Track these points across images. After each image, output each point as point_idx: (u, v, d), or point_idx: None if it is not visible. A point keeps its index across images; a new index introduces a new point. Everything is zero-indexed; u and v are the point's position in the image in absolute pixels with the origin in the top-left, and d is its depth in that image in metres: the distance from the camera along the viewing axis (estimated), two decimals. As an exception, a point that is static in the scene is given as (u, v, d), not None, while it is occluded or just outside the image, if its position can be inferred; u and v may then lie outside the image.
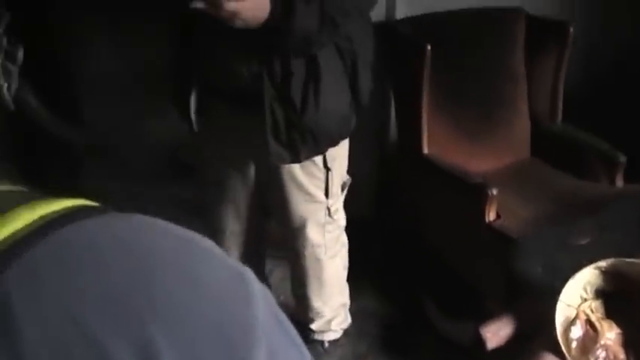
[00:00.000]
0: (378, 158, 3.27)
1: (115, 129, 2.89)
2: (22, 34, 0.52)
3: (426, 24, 2.93)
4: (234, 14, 1.82)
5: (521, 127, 3.06)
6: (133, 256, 0.43)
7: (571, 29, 2.93)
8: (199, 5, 1.80)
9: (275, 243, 2.65)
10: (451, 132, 2.91)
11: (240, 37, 1.92)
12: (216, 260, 0.47)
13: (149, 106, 3.02)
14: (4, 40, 0.50)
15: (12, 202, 0.44)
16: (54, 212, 0.43)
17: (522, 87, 3.05)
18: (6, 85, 0.52)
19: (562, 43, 2.97)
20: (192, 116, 2.18)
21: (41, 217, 0.43)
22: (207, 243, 0.48)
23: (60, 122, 0.53)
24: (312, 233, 2.36)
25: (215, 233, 2.43)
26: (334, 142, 2.20)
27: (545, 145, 3.05)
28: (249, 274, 0.47)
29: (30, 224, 0.42)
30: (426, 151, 2.81)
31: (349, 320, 2.67)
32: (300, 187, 2.26)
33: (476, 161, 2.89)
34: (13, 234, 0.41)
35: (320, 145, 2.14)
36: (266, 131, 2.05)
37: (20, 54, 0.52)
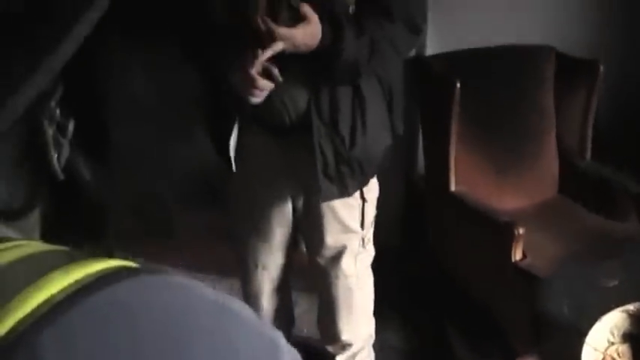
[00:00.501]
0: (406, 191, 3.27)
1: (143, 152, 2.93)
2: (73, 106, 0.54)
3: (456, 60, 2.94)
4: (286, 39, 1.86)
5: (550, 164, 3.06)
6: (168, 322, 0.43)
7: (601, 67, 2.94)
8: (259, 22, 1.84)
9: (299, 274, 2.65)
10: (479, 168, 2.91)
11: (287, 73, 1.95)
12: (250, 327, 0.47)
13: (179, 131, 3.05)
14: (57, 113, 0.52)
15: (47, 266, 0.45)
16: (88, 275, 0.44)
17: (551, 124, 3.05)
18: (56, 155, 0.53)
19: (592, 81, 2.97)
20: (232, 156, 2.19)
21: (76, 282, 0.43)
22: (242, 308, 0.48)
23: (105, 191, 0.55)
24: (346, 263, 2.37)
25: (246, 266, 2.44)
26: (377, 172, 2.24)
27: (574, 182, 3.04)
28: (280, 340, 0.48)
29: (65, 289, 0.43)
30: (453, 187, 2.82)
31: (373, 356, 2.66)
32: (338, 218, 2.27)
33: (503, 198, 2.89)
34: (48, 300, 0.42)
35: (367, 176, 2.19)
36: (316, 169, 2.07)
37: (71, 126, 0.54)
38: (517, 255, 2.56)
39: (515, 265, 2.56)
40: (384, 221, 2.46)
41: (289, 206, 2.33)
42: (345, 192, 2.16)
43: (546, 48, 3.07)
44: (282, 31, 1.85)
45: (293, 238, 2.44)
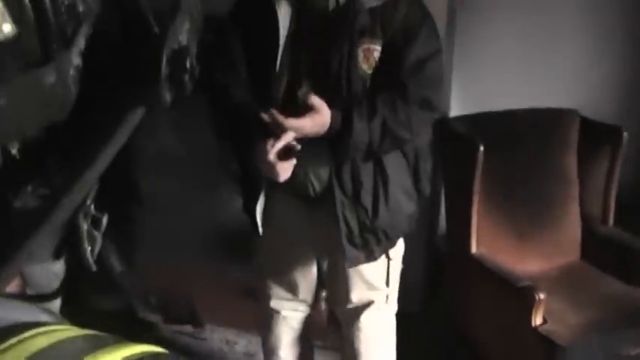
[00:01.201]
0: (426, 251, 3.27)
1: (168, 206, 2.96)
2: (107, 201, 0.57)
3: (480, 122, 2.96)
4: (295, 130, 1.96)
5: (572, 230, 3.05)
6: None
7: (625, 134, 2.94)
8: (265, 118, 1.94)
9: (319, 333, 2.65)
10: (500, 231, 2.91)
11: (308, 148, 2.01)
12: None
13: (205, 188, 3.09)
14: (91, 208, 0.55)
15: (77, 352, 0.46)
16: None
17: (574, 189, 3.05)
18: (89, 248, 0.56)
19: (616, 147, 2.98)
20: (259, 221, 2.23)
21: None
22: None
23: (133, 280, 0.57)
24: (370, 320, 2.37)
25: (267, 317, 2.46)
26: (403, 235, 2.28)
27: (596, 248, 3.02)
28: None
29: None
30: (474, 250, 2.81)
31: None
32: (363, 277, 2.29)
33: (524, 262, 2.88)
34: None
35: (393, 240, 2.24)
36: (341, 238, 2.11)
37: (104, 220, 0.56)
38: (537, 320, 2.54)
39: (536, 331, 2.54)
40: (402, 282, 2.46)
41: (315, 265, 2.36)
42: (371, 257, 2.20)
43: (571, 112, 3.08)
44: (291, 122, 1.95)
45: (317, 292, 2.46)
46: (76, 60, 0.45)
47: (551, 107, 3.08)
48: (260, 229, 2.23)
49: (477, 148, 2.73)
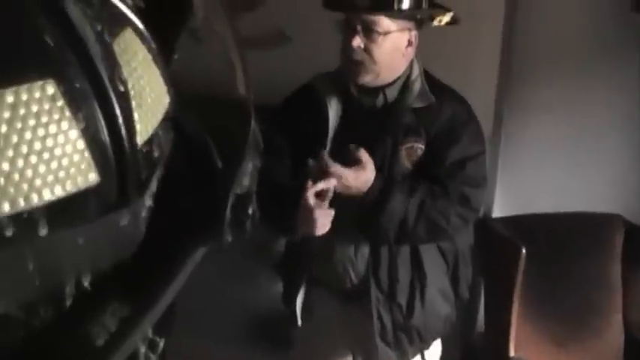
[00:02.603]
0: (462, 351, 3.20)
1: (205, 293, 2.96)
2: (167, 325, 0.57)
3: (523, 225, 2.94)
4: (338, 177, 1.96)
5: (614, 339, 2.96)
6: None
7: (671, 241, 2.89)
8: (311, 163, 1.97)
9: None
10: (539, 337, 2.84)
11: (349, 240, 2.02)
12: None
13: (243, 275, 3.09)
14: (149, 331, 0.55)
15: None
16: None
17: (617, 297, 2.98)
18: None
19: (661, 254, 2.92)
20: (298, 312, 2.22)
21: None
22: None
23: None
24: None
25: None
26: (438, 337, 2.26)
27: None
28: None
29: None
30: (512, 353, 2.75)
31: None
32: None
33: (563, 370, 2.80)
34: None
35: (426, 343, 2.21)
36: (374, 335, 2.11)
37: (162, 343, 0.56)
38: None
39: None
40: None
41: (350, 358, 2.33)
42: (404, 357, 2.18)
43: (615, 217, 3.04)
44: (336, 168, 1.97)
45: None
46: (148, 202, 0.47)
47: (595, 212, 3.05)
48: (299, 320, 2.23)
49: (520, 252, 2.70)
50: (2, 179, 0.39)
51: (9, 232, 0.39)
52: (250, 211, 0.52)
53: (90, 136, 0.42)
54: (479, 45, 2.94)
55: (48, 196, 0.40)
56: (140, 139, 0.46)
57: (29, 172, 0.40)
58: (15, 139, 0.39)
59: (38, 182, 0.40)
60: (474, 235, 2.32)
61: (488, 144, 2.78)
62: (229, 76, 0.61)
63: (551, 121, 3.15)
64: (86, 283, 0.44)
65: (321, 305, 2.23)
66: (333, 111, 2.14)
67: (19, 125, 0.39)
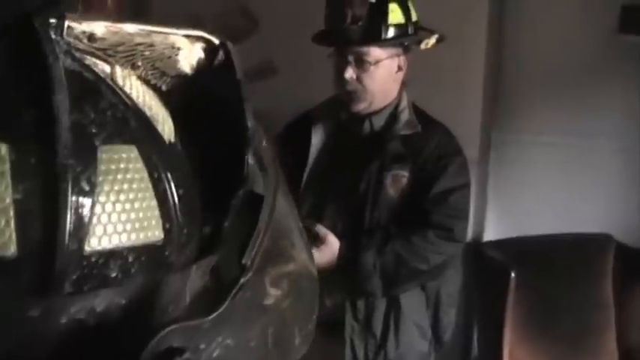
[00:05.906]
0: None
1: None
2: None
3: (514, 247, 2.93)
4: None
5: (609, 359, 2.95)
6: None
7: (662, 261, 2.89)
8: None
9: None
10: (534, 359, 2.83)
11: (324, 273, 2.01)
12: None
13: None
14: None
15: None
16: None
17: (611, 317, 2.97)
18: None
19: (653, 273, 2.92)
20: None
21: None
22: None
23: None
24: None
25: None
26: None
27: (635, 378, 2.92)
28: None
29: None
30: (506, 378, 2.74)
31: None
32: None
33: (558, 393, 2.79)
34: None
35: None
36: None
37: None
38: None
39: None
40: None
41: None
42: None
43: (606, 238, 3.04)
44: None
45: None
46: (81, 310, 0.44)
47: (586, 232, 3.04)
48: None
49: (509, 275, 2.70)
50: None
51: None
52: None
53: (22, 209, 0.40)
54: (463, 69, 2.95)
55: None
56: (92, 247, 0.42)
57: None
58: None
59: None
60: (465, 258, 2.31)
61: (477, 167, 2.79)
62: None
63: (542, 143, 3.16)
64: None
65: None
66: (318, 139, 2.15)
67: None
